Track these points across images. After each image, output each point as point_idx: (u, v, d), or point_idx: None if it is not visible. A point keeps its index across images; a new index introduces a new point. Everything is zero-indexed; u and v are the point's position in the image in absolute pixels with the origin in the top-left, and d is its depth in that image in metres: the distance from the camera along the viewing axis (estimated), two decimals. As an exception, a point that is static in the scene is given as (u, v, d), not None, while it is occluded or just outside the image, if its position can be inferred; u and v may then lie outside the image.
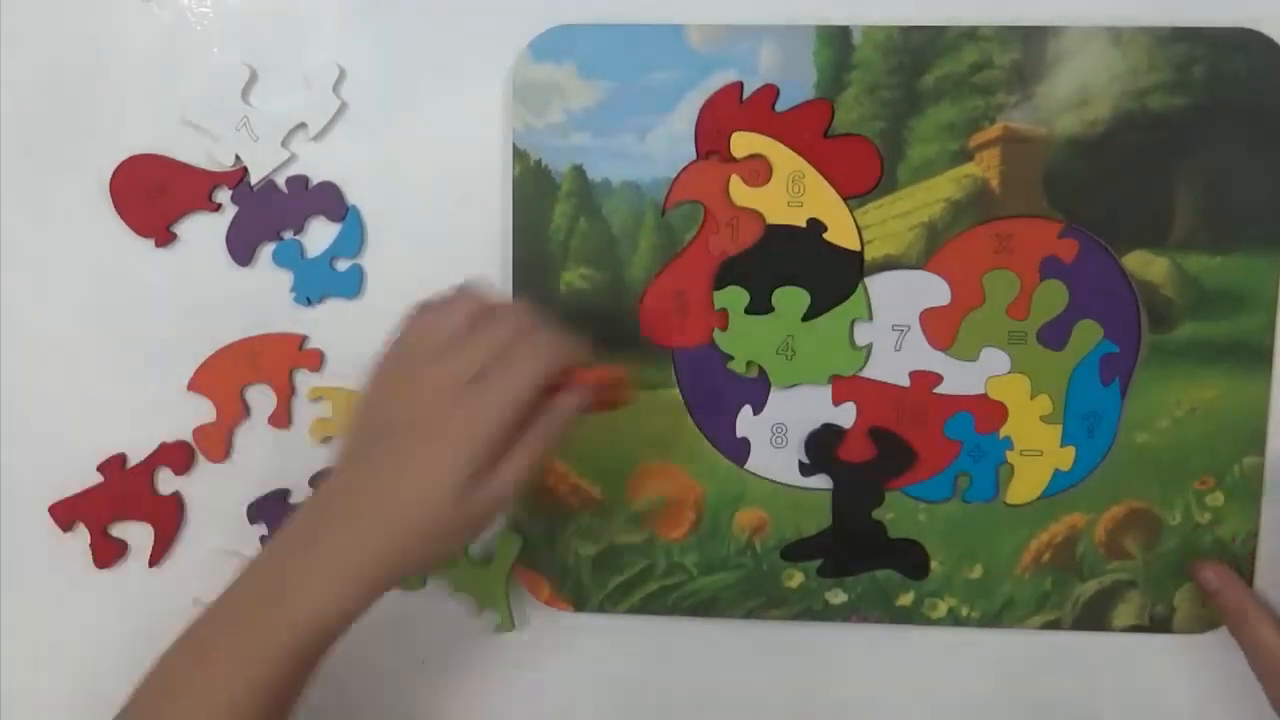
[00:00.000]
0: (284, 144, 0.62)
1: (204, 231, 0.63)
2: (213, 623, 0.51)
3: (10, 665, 0.66)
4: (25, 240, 0.64)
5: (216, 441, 0.64)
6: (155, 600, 0.64)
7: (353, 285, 0.62)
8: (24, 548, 0.65)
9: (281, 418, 0.63)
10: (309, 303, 0.63)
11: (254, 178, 0.62)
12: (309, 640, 0.50)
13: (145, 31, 0.62)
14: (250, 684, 0.49)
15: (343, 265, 0.62)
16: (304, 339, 0.63)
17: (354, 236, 0.62)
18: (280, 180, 0.62)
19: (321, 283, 0.62)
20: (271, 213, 0.62)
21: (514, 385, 0.50)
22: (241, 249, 0.63)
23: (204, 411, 0.64)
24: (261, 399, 0.64)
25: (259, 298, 0.63)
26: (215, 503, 0.64)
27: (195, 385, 0.64)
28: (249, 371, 0.63)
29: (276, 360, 0.63)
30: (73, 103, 0.63)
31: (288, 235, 0.62)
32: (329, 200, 0.62)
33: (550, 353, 0.51)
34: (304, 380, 0.63)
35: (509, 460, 0.50)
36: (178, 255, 0.63)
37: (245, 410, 0.64)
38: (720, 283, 0.60)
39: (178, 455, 0.64)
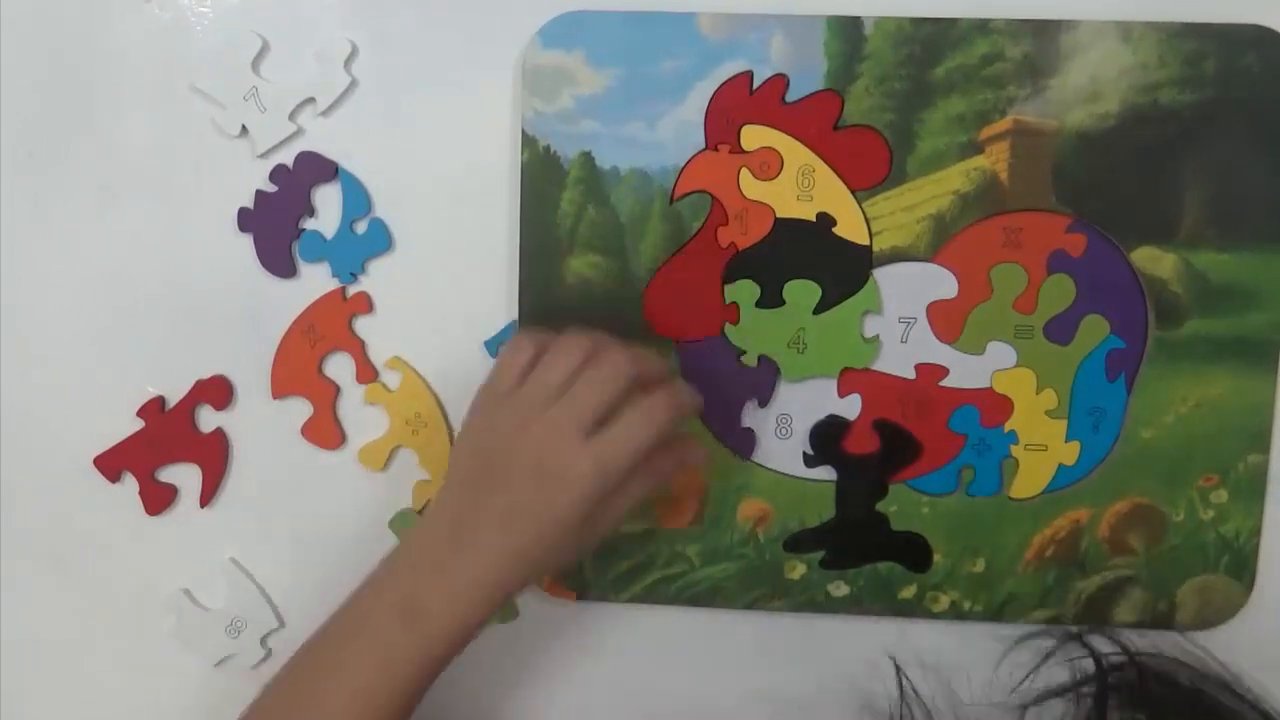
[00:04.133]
0: (291, 118, 0.61)
1: (219, 236, 0.63)
2: (340, 638, 0.55)
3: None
4: (25, 240, 0.63)
5: (328, 431, 0.63)
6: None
7: (383, 238, 0.62)
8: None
9: (367, 372, 0.63)
10: (353, 277, 0.62)
11: (259, 149, 0.61)
12: (436, 654, 0.54)
13: (145, 32, 0.62)
14: (381, 692, 0.53)
15: (362, 226, 0.62)
16: (344, 289, 0.62)
17: (357, 193, 0.62)
18: (266, 184, 0.62)
19: (354, 250, 0.62)
20: (281, 210, 0.62)
21: (632, 445, 0.53)
22: (279, 263, 0.62)
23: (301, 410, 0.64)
24: (338, 367, 0.63)
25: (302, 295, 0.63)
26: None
27: (280, 389, 0.63)
28: (316, 345, 0.63)
29: (331, 318, 0.62)
30: (73, 103, 0.63)
31: (308, 223, 0.62)
32: (312, 168, 0.62)
33: (668, 413, 0.54)
34: (364, 327, 0.63)
35: (619, 496, 0.54)
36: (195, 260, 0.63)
37: (335, 387, 0.63)
38: (730, 276, 0.60)
39: (216, 391, 0.63)
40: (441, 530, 0.55)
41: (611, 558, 0.62)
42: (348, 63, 0.61)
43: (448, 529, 0.54)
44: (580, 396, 0.53)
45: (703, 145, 0.59)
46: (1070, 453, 0.60)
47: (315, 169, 0.62)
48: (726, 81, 0.59)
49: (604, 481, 0.53)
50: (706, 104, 0.59)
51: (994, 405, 0.60)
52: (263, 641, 0.65)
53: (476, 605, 0.53)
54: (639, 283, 0.61)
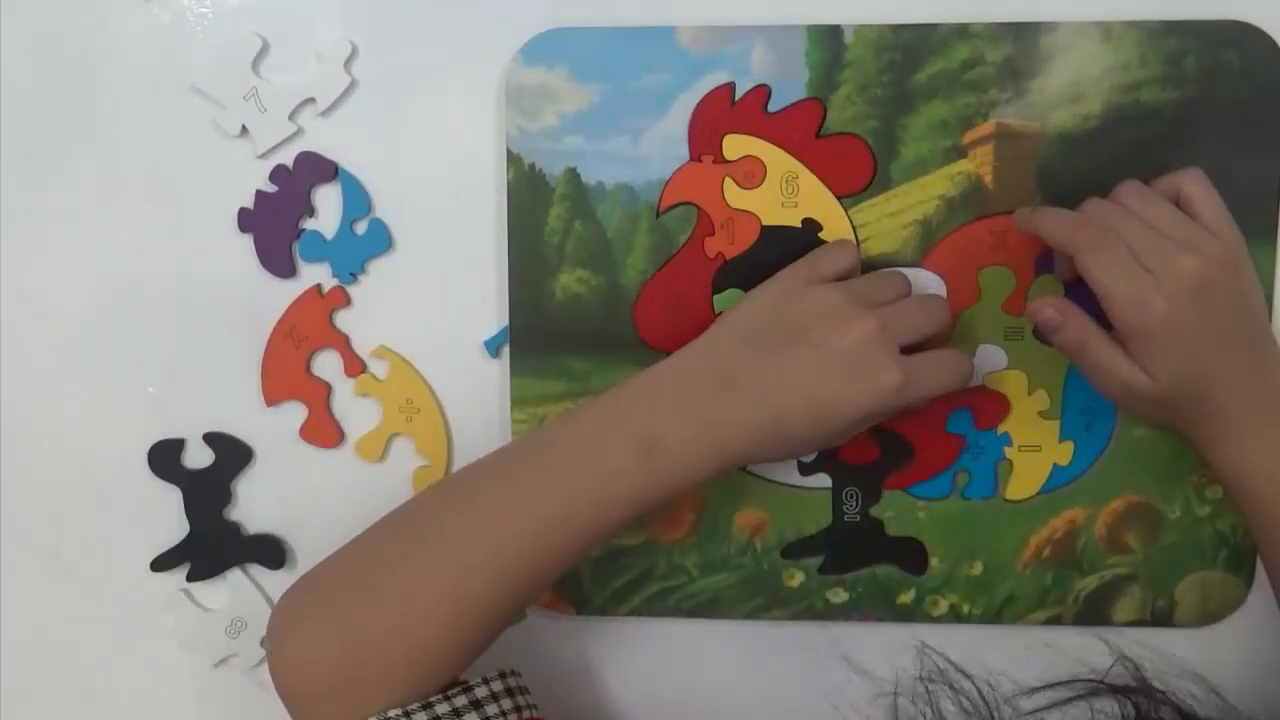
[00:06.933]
0: (291, 118, 0.62)
1: (219, 236, 0.63)
2: (553, 462, 0.54)
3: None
4: (25, 240, 0.64)
5: (326, 430, 0.64)
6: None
7: (383, 238, 0.62)
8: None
9: (354, 365, 0.63)
10: (353, 277, 0.63)
11: (259, 149, 0.62)
12: (657, 496, 0.53)
13: (145, 31, 0.62)
14: (590, 519, 0.53)
15: (362, 227, 0.62)
16: (319, 285, 0.63)
17: (357, 194, 0.62)
18: (266, 185, 0.62)
19: (354, 250, 0.62)
20: (281, 210, 0.62)
21: (934, 384, 0.54)
22: (279, 263, 0.63)
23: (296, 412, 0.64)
24: (327, 364, 0.64)
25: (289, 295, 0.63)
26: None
27: (273, 397, 0.64)
28: (300, 345, 0.63)
29: (311, 317, 0.63)
30: (73, 103, 0.63)
31: (308, 223, 0.62)
32: (312, 168, 0.62)
33: (967, 374, 0.56)
34: (346, 322, 0.63)
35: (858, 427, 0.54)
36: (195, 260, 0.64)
37: (326, 386, 0.63)
38: (719, 286, 0.60)
39: None
40: (700, 375, 0.54)
41: (610, 571, 0.63)
42: (348, 63, 0.61)
43: (710, 375, 0.54)
44: (909, 315, 0.55)
45: (686, 157, 0.60)
46: (1064, 453, 0.60)
47: (315, 169, 0.62)
48: (709, 93, 0.59)
49: (897, 402, 0.53)
50: (689, 116, 0.59)
51: (987, 407, 0.61)
52: (262, 642, 0.65)
53: (715, 461, 0.53)
54: (629, 296, 0.61)
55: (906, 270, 0.59)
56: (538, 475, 0.53)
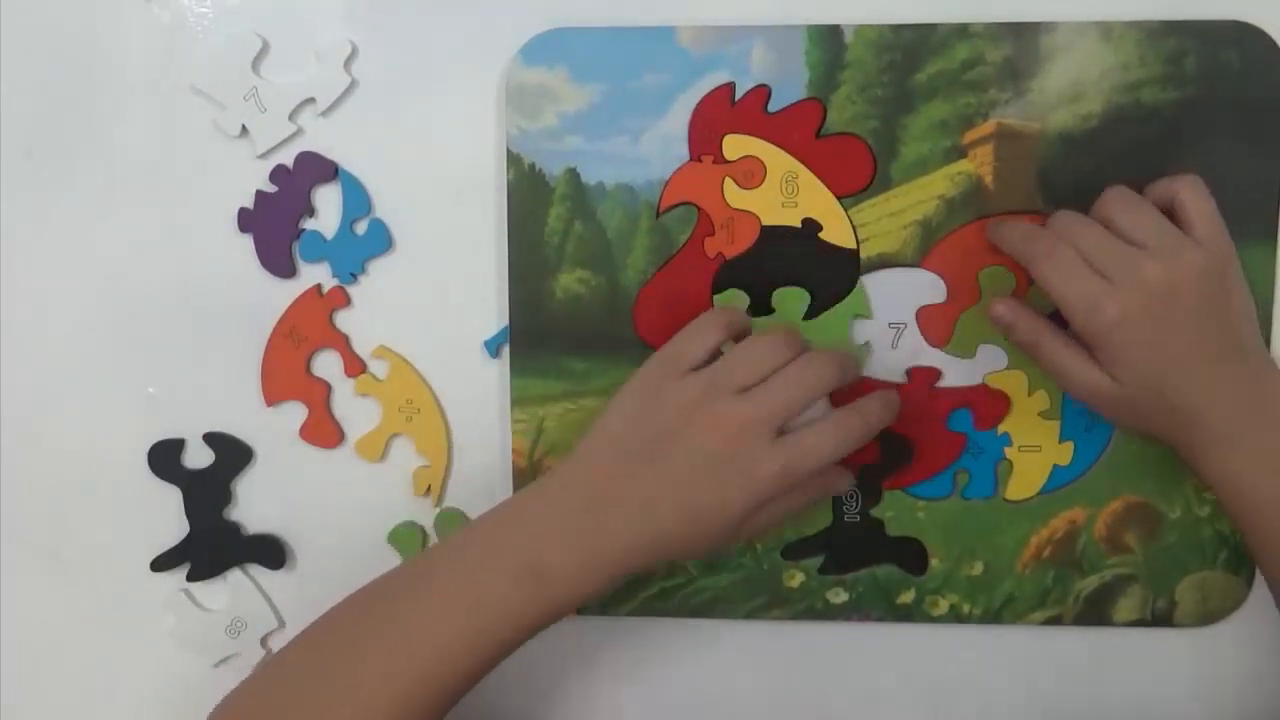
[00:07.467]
0: (291, 118, 0.62)
1: (219, 236, 0.63)
2: (442, 589, 0.53)
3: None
4: (25, 240, 0.64)
5: (326, 430, 0.64)
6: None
7: (383, 239, 0.62)
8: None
9: (354, 365, 0.63)
10: (353, 277, 0.62)
11: (259, 149, 0.62)
12: (546, 621, 0.53)
13: (145, 32, 0.62)
14: (481, 647, 0.53)
15: (362, 227, 0.62)
16: (319, 285, 0.63)
17: (357, 194, 0.62)
18: (266, 185, 0.62)
19: (354, 250, 0.62)
20: (281, 210, 0.62)
21: (821, 456, 0.52)
22: (279, 263, 0.63)
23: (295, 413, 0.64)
24: (326, 364, 0.64)
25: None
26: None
27: (273, 397, 0.64)
28: (300, 345, 0.63)
29: (312, 317, 0.63)
30: (73, 102, 0.63)
31: (308, 223, 0.62)
32: (312, 168, 0.62)
33: (861, 431, 0.53)
34: (346, 322, 0.63)
35: (774, 507, 0.53)
36: (195, 260, 0.64)
37: (326, 386, 0.63)
38: (719, 286, 0.60)
39: None
40: (577, 495, 0.53)
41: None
42: (348, 63, 0.61)
43: (587, 495, 0.53)
44: (780, 395, 0.52)
45: (686, 157, 0.60)
46: (1064, 453, 0.60)
47: (315, 169, 0.62)
48: (708, 94, 0.59)
49: (783, 486, 0.51)
50: (689, 116, 0.59)
51: (987, 407, 0.60)
52: (263, 641, 0.65)
53: (601, 579, 0.52)
54: (629, 296, 0.61)
55: (907, 270, 0.60)
56: (424, 608, 0.53)
